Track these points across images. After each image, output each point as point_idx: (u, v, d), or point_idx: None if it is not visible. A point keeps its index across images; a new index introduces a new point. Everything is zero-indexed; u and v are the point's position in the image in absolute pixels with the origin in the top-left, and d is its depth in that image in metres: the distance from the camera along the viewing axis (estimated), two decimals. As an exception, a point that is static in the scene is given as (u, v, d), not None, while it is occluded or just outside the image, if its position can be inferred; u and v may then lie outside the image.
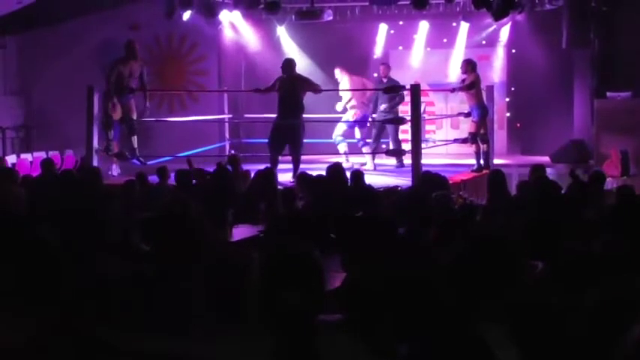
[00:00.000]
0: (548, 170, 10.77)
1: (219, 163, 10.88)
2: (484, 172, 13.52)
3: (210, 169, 10.73)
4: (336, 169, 9.85)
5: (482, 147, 14.19)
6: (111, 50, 15.52)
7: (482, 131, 14.18)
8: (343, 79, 15.05)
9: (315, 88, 13.13)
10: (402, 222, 6.43)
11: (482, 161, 14.15)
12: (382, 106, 14.66)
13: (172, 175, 10.56)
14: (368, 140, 15.08)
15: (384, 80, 14.83)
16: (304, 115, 13.23)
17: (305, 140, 13.50)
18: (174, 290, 4.31)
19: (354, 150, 15.16)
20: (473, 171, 13.99)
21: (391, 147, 14.85)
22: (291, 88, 12.88)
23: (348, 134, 15.09)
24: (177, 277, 4.55)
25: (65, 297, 3.88)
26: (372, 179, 11.82)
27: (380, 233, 5.26)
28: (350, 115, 14.98)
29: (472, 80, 14.04)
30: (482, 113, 14.11)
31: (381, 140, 15.30)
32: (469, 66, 14.20)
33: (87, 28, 17.78)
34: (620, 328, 3.03)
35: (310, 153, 14.60)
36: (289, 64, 13.15)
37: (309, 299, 3.37)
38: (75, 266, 4.36)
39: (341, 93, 15.02)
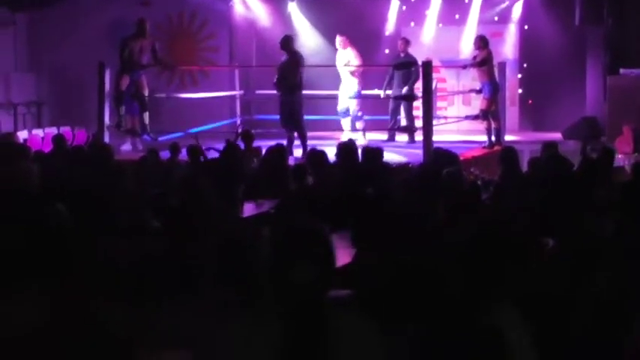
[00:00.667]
0: (561, 147, 10.72)
1: (228, 140, 10.86)
2: (495, 148, 13.49)
3: (221, 145, 10.74)
4: (347, 147, 9.83)
5: (494, 124, 14.14)
6: (122, 27, 15.51)
7: (493, 108, 14.13)
8: (347, 49, 14.86)
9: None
10: (413, 199, 6.42)
11: (493, 138, 14.11)
12: (396, 82, 14.57)
13: (184, 151, 10.60)
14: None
15: (402, 55, 14.75)
16: (311, 92, 13.27)
17: (317, 117, 13.44)
18: (184, 267, 4.32)
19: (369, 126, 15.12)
20: (484, 147, 13.96)
21: (403, 123, 14.81)
22: (285, 65, 13.00)
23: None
24: (187, 254, 4.55)
25: (76, 276, 3.89)
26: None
27: (389, 211, 5.25)
28: (353, 85, 14.80)
29: (484, 57, 13.98)
30: (493, 90, 14.05)
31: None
32: (482, 42, 14.13)
33: (97, 5, 17.77)
34: (630, 311, 3.03)
35: (324, 129, 14.66)
36: (286, 41, 13.20)
37: (318, 274, 3.37)
38: (85, 244, 4.37)
39: (343, 61, 14.85)
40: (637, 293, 3.73)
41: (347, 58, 14.80)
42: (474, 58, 14.23)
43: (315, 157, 9.36)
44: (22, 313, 3.51)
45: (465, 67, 14.93)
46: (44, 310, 3.53)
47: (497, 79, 14.27)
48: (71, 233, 4.31)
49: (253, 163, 10.30)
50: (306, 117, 14.12)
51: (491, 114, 14.10)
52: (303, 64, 13.19)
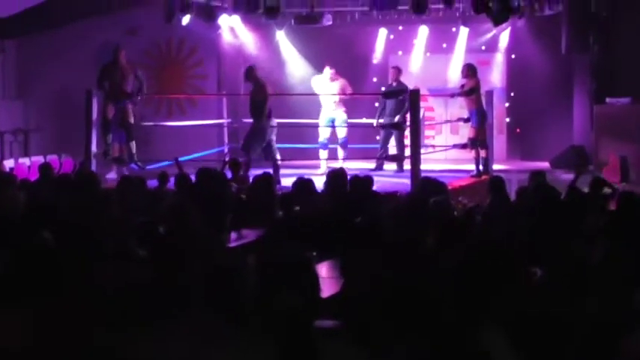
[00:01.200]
0: (549, 176, 10.73)
1: (200, 168, 10.70)
2: (483, 177, 13.51)
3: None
4: (337, 175, 9.83)
5: (482, 153, 14.17)
6: (110, 54, 15.53)
7: (481, 137, 14.17)
8: (338, 80, 14.96)
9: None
10: (402, 228, 6.41)
11: (481, 167, 14.14)
12: (388, 111, 14.67)
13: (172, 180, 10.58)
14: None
15: (394, 84, 14.88)
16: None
17: (304, 145, 13.48)
18: (170, 295, 4.29)
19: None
20: (472, 177, 13.97)
21: (391, 152, 14.86)
22: (252, 94, 13.47)
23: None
24: (173, 282, 4.53)
25: (62, 301, 3.87)
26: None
27: (377, 240, 5.23)
28: (342, 115, 14.92)
29: (472, 86, 14.05)
30: (481, 118, 14.11)
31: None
32: (470, 70, 14.20)
33: (86, 32, 17.76)
34: (617, 338, 3.03)
35: (310, 158, 14.73)
36: (248, 72, 13.64)
37: (304, 302, 3.36)
38: (72, 272, 4.34)
39: (330, 91, 14.91)
40: (625, 318, 3.73)
41: (340, 88, 14.83)
42: (462, 86, 14.31)
43: (303, 185, 9.36)
44: (4, 337, 3.49)
45: (452, 95, 15.01)
46: (27, 334, 3.50)
47: (484, 107, 14.32)
48: (56, 260, 4.29)
49: (234, 189, 10.28)
50: (291, 145, 14.23)
51: (479, 143, 14.14)
52: (268, 92, 13.35)
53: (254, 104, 13.34)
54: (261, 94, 13.29)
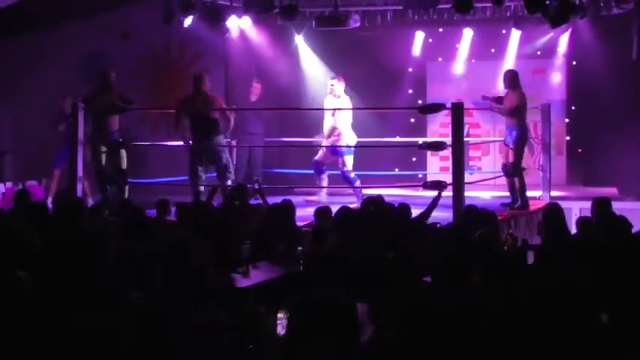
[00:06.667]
0: (616, 205, 10.68)
1: (196, 200, 10.79)
2: (539, 206, 13.31)
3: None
4: (373, 203, 9.86)
5: (517, 182, 13.55)
6: (98, 63, 15.61)
7: (519, 161, 13.50)
8: (344, 97, 14.56)
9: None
10: (441, 265, 6.42)
11: (518, 197, 13.54)
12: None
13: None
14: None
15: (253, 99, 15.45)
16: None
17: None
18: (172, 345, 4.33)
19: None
20: (515, 208, 13.41)
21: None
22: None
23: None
24: (176, 328, 4.57)
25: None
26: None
27: (413, 278, 5.25)
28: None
29: (516, 103, 13.38)
30: (522, 138, 13.59)
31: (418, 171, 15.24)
32: (513, 79, 13.57)
33: (70, 38, 17.85)
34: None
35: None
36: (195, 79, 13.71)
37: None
38: (50, 316, 4.40)
39: (331, 111, 14.49)
40: None
41: (345, 104, 14.44)
42: (498, 98, 13.79)
43: (345, 215, 9.39)
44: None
45: (490, 106, 14.31)
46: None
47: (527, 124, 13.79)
48: (32, 303, 4.35)
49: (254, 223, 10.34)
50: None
51: (518, 169, 13.48)
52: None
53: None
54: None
